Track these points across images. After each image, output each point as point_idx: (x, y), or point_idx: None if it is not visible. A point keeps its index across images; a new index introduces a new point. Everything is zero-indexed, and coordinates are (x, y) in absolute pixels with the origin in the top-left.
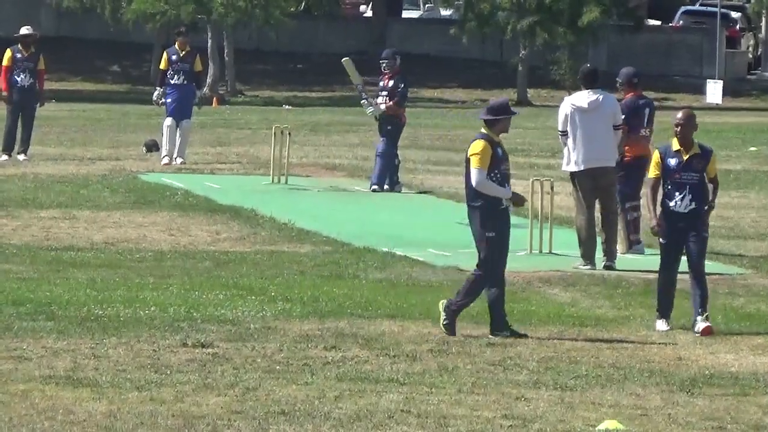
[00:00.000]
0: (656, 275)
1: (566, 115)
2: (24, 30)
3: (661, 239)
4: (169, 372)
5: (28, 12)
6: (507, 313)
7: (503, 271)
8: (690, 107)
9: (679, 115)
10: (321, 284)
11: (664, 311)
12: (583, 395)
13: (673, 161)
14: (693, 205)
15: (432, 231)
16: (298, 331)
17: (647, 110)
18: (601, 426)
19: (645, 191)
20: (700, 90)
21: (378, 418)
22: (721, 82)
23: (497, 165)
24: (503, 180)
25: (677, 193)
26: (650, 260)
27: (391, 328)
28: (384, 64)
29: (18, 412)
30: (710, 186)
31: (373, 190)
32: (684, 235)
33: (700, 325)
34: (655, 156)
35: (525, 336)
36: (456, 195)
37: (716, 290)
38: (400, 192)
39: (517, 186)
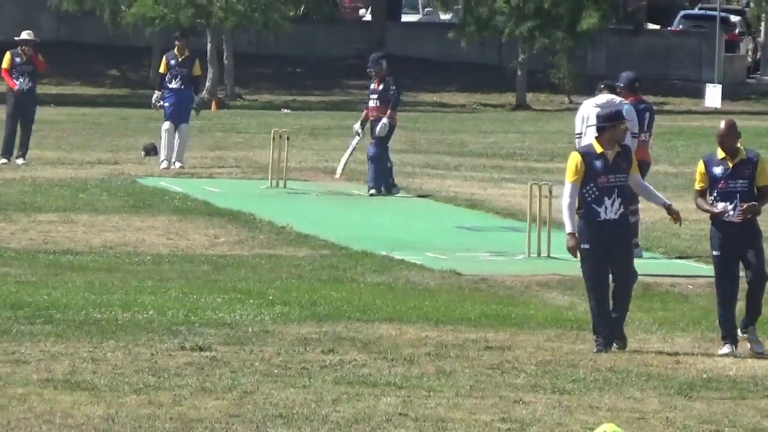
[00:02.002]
0: (655, 279)
1: (583, 117)
2: (24, 35)
3: (714, 252)
4: (167, 375)
5: (28, 16)
6: (623, 327)
7: (623, 284)
8: (689, 111)
9: (722, 126)
10: (319, 288)
11: (728, 332)
12: (580, 399)
13: (718, 170)
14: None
15: (430, 234)
16: (296, 334)
17: (647, 115)
18: (599, 429)
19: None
20: (699, 94)
21: (375, 421)
22: (720, 86)
23: (593, 178)
24: (602, 195)
25: (728, 204)
26: (648, 264)
27: (389, 332)
28: (369, 69)
29: (16, 415)
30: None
31: (371, 195)
32: (740, 245)
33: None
34: (700, 166)
35: (623, 348)
36: (454, 199)
37: (714, 293)
38: (398, 194)
39: (516, 190)
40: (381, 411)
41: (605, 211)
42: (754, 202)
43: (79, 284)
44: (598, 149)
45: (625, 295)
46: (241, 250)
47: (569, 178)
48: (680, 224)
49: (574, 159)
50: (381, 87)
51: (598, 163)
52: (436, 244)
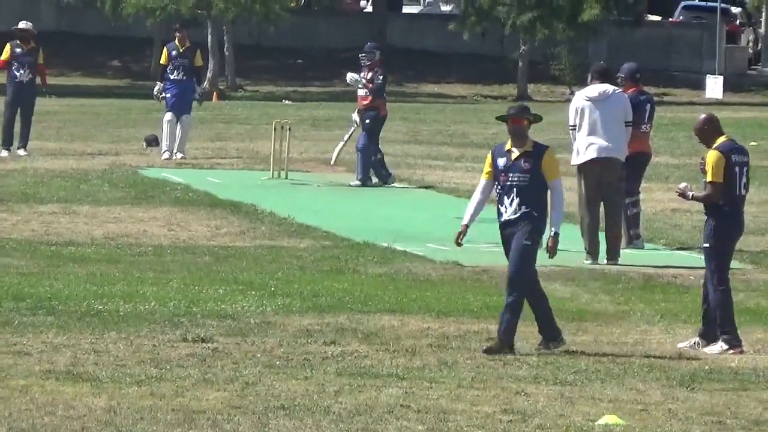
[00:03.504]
0: (656, 270)
1: (576, 109)
2: (22, 24)
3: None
4: (168, 367)
5: (28, 6)
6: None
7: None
8: (690, 102)
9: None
10: (321, 279)
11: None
12: (582, 390)
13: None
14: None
15: (432, 226)
16: (298, 326)
17: (648, 106)
18: (601, 421)
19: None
20: (700, 85)
21: (377, 412)
22: (722, 77)
23: (497, 176)
24: (503, 193)
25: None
26: (650, 255)
27: (390, 323)
28: (362, 58)
29: (18, 407)
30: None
31: (351, 185)
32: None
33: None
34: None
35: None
36: (456, 190)
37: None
38: (393, 183)
39: None
40: (383, 402)
41: (505, 211)
42: (685, 184)
43: (80, 275)
44: (507, 146)
45: (514, 295)
46: (243, 241)
47: (483, 173)
48: (549, 257)
49: (488, 155)
50: (370, 76)
51: (502, 161)
52: (438, 235)
